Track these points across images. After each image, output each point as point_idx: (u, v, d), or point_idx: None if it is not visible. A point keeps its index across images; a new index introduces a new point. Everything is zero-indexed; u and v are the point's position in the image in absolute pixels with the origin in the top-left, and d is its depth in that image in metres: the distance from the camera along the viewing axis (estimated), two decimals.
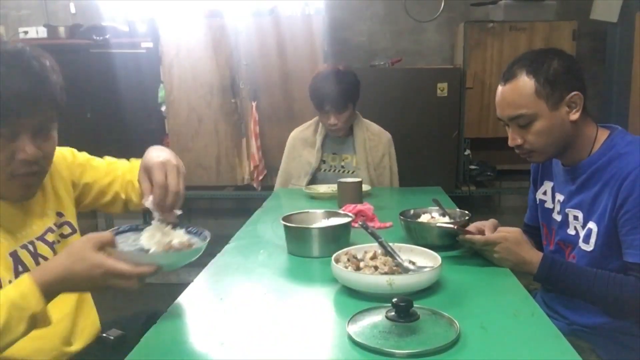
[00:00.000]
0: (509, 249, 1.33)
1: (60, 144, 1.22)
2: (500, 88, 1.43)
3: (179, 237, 1.09)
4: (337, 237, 1.46)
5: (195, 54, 3.52)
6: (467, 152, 3.61)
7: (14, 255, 1.10)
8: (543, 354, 0.92)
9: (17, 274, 1.09)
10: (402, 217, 1.58)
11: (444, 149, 3.54)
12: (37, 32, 3.71)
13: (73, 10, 3.87)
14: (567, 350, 0.92)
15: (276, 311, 1.14)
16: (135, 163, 1.36)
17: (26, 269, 1.10)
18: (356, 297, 1.15)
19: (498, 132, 3.54)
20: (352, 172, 2.43)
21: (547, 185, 1.56)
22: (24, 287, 0.93)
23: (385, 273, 1.19)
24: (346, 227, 1.51)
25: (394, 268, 1.22)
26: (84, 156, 1.37)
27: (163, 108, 3.64)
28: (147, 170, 1.15)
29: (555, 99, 1.35)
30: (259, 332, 1.04)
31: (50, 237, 1.20)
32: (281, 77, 3.52)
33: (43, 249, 1.18)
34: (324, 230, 1.47)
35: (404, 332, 0.94)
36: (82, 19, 3.81)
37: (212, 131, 3.63)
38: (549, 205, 1.55)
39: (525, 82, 1.36)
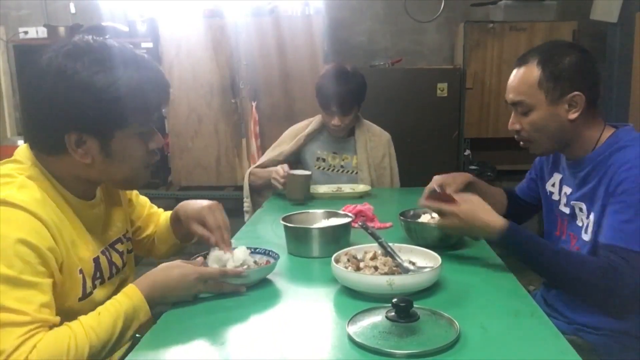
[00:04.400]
0: (471, 212, 1.33)
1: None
2: (514, 70, 1.44)
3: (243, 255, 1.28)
4: (337, 238, 1.46)
5: (195, 54, 3.52)
6: (467, 152, 3.62)
7: (96, 261, 1.12)
8: (543, 354, 0.92)
9: (93, 280, 1.11)
10: (402, 218, 1.58)
11: (444, 149, 3.54)
12: (37, 32, 3.72)
13: (73, 10, 3.87)
14: (567, 350, 0.92)
15: (276, 311, 1.14)
16: (164, 216, 1.49)
17: (102, 276, 1.14)
18: (356, 297, 1.15)
19: (498, 132, 3.54)
20: (352, 172, 2.43)
21: (556, 178, 1.56)
22: (136, 300, 1.05)
23: (385, 273, 1.19)
24: (346, 227, 1.51)
25: (394, 268, 1.22)
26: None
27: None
28: (198, 219, 1.30)
29: (555, 94, 1.35)
30: (259, 332, 1.04)
31: (119, 247, 1.24)
32: (281, 77, 3.52)
33: (115, 257, 1.21)
34: (324, 231, 1.47)
35: (404, 333, 0.94)
36: (82, 19, 3.81)
37: (212, 131, 3.63)
38: (555, 197, 1.56)
39: (533, 70, 1.37)
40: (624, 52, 3.43)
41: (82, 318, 0.98)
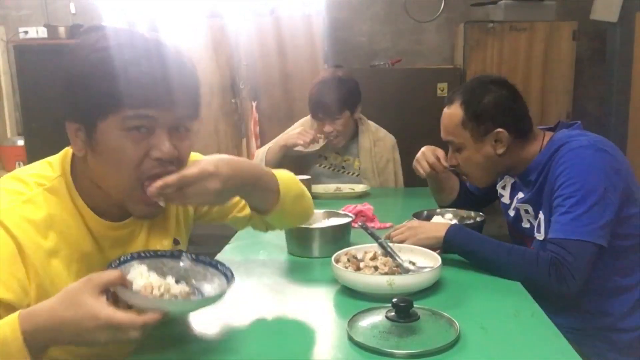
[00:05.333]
0: (419, 223, 1.45)
1: (62, 145, 1.09)
2: (444, 108, 1.52)
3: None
4: (337, 238, 1.46)
5: (195, 54, 3.52)
6: None
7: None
8: (543, 354, 0.92)
9: None
10: (414, 219, 1.57)
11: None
12: (37, 32, 3.71)
13: (73, 10, 3.87)
14: (567, 350, 0.92)
15: (276, 311, 1.14)
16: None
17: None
18: (356, 297, 1.15)
19: None
20: (353, 174, 2.43)
21: (507, 181, 1.59)
22: (9, 331, 0.77)
23: (386, 273, 1.19)
24: (346, 227, 1.51)
25: (394, 268, 1.22)
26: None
27: None
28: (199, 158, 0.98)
29: (479, 133, 1.43)
30: (259, 332, 1.04)
31: None
32: (281, 77, 3.53)
33: None
34: (324, 231, 1.47)
35: (404, 333, 0.94)
36: (82, 19, 3.81)
37: (212, 131, 3.63)
38: (505, 200, 1.59)
39: (457, 111, 1.45)
40: (624, 52, 3.43)
41: None
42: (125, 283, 0.84)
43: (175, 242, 1.14)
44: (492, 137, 1.42)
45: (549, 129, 1.49)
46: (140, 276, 0.89)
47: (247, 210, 1.25)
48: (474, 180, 1.56)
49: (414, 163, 1.79)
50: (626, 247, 1.34)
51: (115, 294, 0.82)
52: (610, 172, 1.29)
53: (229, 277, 0.97)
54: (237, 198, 1.23)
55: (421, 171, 1.77)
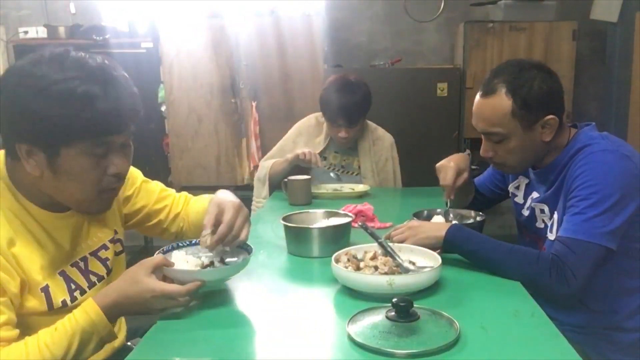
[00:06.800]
0: (419, 223, 1.43)
1: None
2: (478, 98, 1.43)
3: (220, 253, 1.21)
4: (337, 237, 1.46)
5: (195, 54, 3.52)
6: (467, 152, 3.61)
7: (63, 274, 1.10)
8: (543, 354, 0.92)
9: (70, 292, 1.10)
10: (415, 219, 1.57)
11: (444, 149, 3.52)
12: (37, 32, 3.72)
13: (73, 10, 3.87)
14: (567, 350, 0.92)
15: (276, 311, 1.14)
16: (187, 198, 1.45)
17: (78, 286, 1.12)
18: (356, 297, 1.15)
19: None
20: (353, 173, 2.43)
21: (522, 181, 1.58)
22: (92, 314, 1.00)
23: (386, 273, 1.19)
24: (346, 227, 1.51)
25: (394, 268, 1.22)
26: (139, 176, 1.37)
27: (163, 108, 3.64)
28: (219, 207, 1.17)
29: (530, 121, 1.36)
30: (259, 332, 1.04)
31: (103, 254, 1.21)
32: (281, 77, 3.53)
33: (95, 265, 1.19)
34: (324, 230, 1.47)
35: (404, 332, 0.94)
36: (82, 19, 3.81)
37: (212, 131, 3.63)
38: (519, 200, 1.58)
39: (503, 101, 1.36)
40: (624, 52, 3.44)
41: (40, 333, 0.98)
42: (168, 264, 1.10)
43: (115, 232, 1.27)
44: (540, 124, 1.37)
45: (569, 126, 1.47)
46: (179, 259, 1.16)
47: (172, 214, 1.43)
48: (509, 169, 1.51)
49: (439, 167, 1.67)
50: (637, 249, 1.33)
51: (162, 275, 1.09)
52: (629, 179, 1.28)
53: (249, 251, 1.20)
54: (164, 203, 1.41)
55: (444, 181, 1.64)
